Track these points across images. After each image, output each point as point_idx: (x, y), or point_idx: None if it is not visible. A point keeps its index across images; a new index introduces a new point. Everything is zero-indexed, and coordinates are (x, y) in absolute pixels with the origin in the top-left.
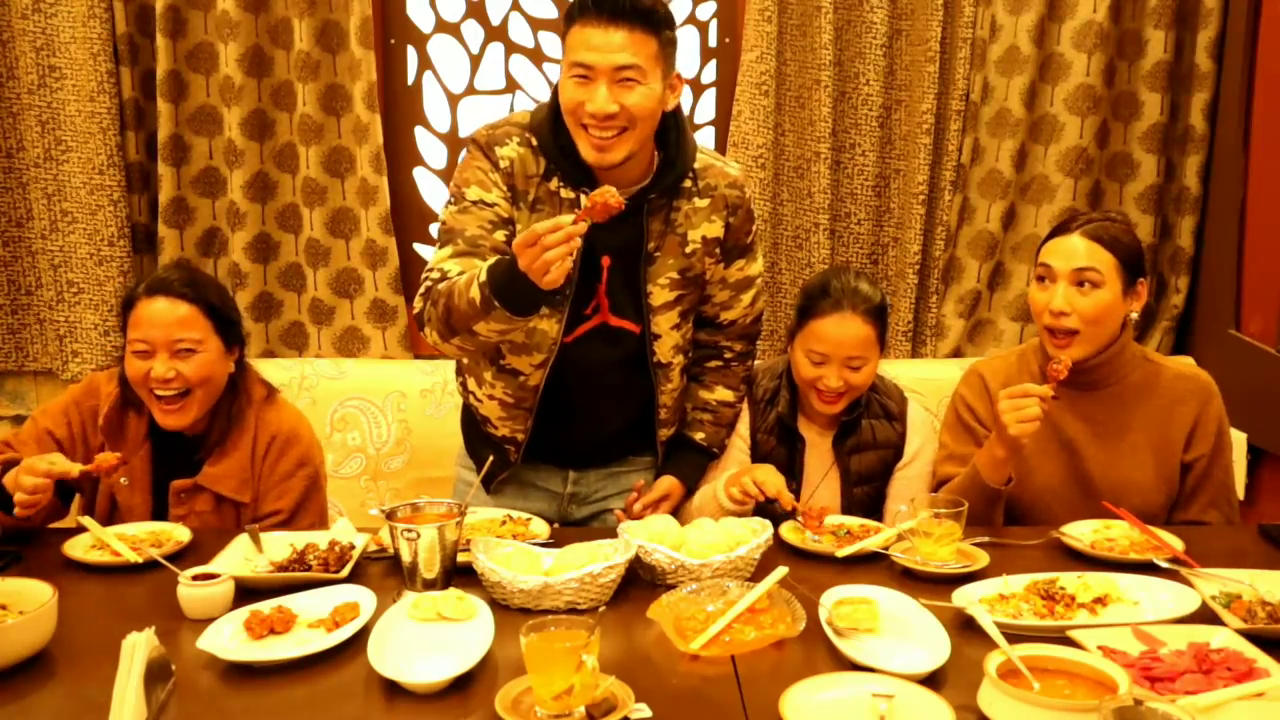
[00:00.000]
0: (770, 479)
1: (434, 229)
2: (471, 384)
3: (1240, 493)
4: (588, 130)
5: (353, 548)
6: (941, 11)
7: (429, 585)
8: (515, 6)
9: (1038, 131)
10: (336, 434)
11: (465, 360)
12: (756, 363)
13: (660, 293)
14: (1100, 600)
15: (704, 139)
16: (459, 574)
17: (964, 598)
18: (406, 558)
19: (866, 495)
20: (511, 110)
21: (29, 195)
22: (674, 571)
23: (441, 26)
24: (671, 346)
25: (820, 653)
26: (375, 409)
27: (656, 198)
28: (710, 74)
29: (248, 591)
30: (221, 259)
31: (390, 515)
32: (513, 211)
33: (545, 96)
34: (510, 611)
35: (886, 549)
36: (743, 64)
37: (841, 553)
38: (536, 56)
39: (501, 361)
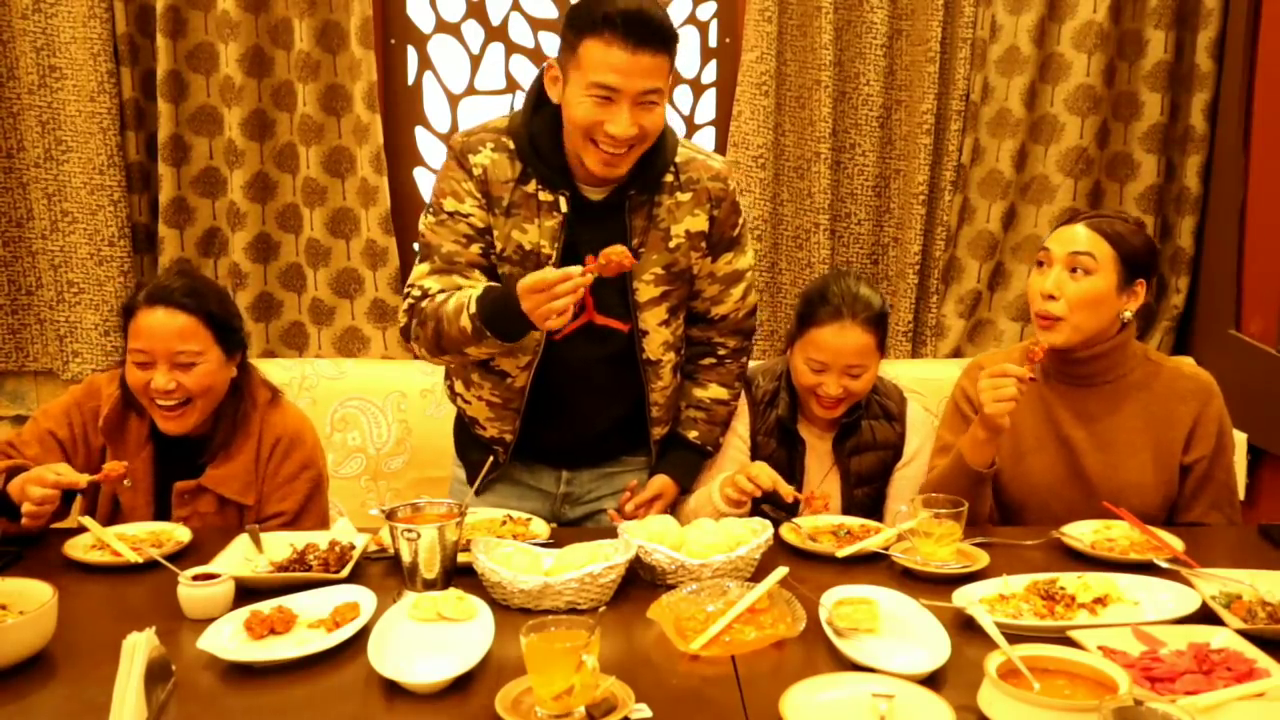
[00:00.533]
0: (763, 472)
1: None
2: (459, 386)
3: (1240, 493)
4: (598, 145)
5: (353, 548)
6: (942, 11)
7: (429, 585)
8: (515, 6)
9: (1038, 132)
10: (336, 434)
11: (453, 364)
12: (755, 364)
13: (646, 289)
14: (1100, 600)
15: (704, 139)
16: (459, 574)
17: (964, 598)
18: (407, 558)
19: (867, 496)
20: (511, 110)
21: (29, 195)
22: (674, 571)
23: (442, 26)
24: (661, 343)
25: (820, 653)
26: (375, 409)
27: (637, 194)
28: (710, 74)
29: (248, 592)
30: (222, 259)
31: (390, 515)
32: (488, 219)
33: None
34: (510, 611)
35: (886, 549)
36: (743, 64)
37: (841, 553)
38: (537, 56)
39: (489, 363)
